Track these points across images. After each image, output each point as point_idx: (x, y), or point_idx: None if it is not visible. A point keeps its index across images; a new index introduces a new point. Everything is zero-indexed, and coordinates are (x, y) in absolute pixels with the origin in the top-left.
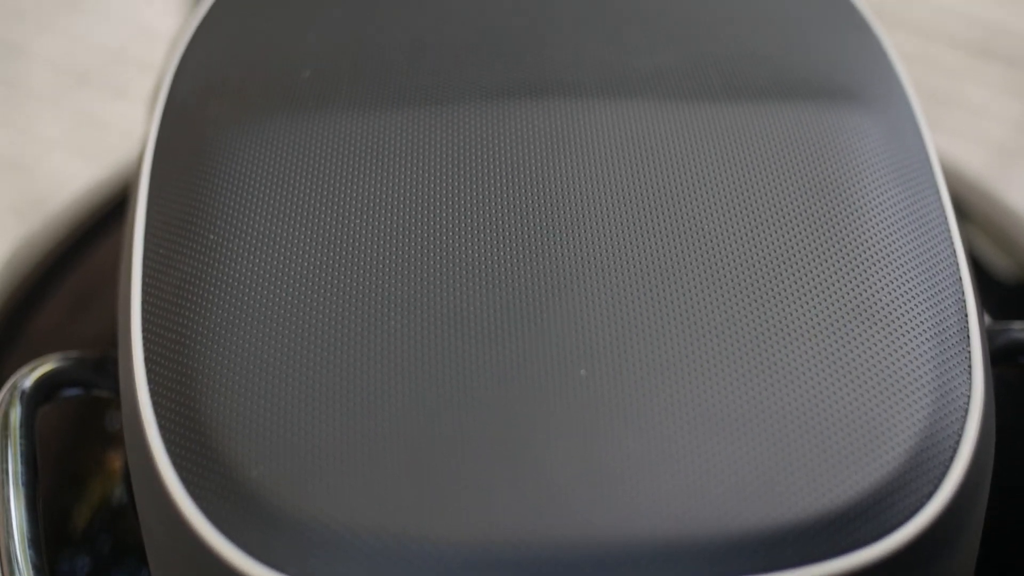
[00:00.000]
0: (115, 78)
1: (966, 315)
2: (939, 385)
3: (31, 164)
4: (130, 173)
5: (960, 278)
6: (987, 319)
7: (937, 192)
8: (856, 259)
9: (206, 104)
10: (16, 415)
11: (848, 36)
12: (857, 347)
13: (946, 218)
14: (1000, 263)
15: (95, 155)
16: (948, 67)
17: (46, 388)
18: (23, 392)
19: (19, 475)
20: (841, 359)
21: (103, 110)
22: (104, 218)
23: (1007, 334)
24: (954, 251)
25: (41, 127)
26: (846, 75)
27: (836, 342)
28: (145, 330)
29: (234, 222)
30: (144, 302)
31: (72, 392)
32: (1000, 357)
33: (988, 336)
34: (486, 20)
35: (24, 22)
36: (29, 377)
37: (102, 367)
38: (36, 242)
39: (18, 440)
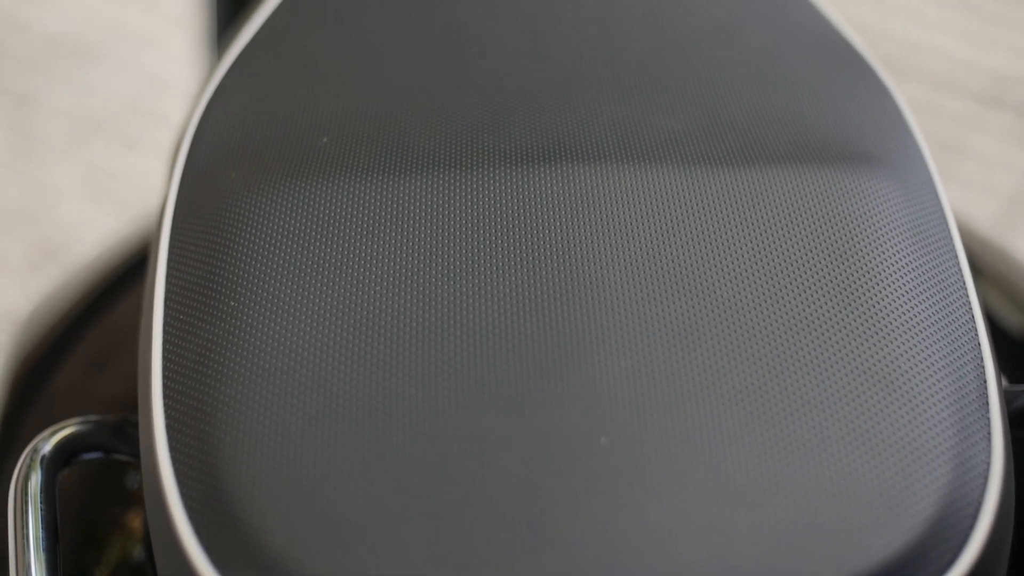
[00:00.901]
0: (127, 129)
1: (985, 380)
2: (959, 452)
3: (44, 215)
4: (146, 234)
5: (979, 343)
6: (1004, 381)
7: (955, 255)
8: (875, 326)
9: (225, 169)
10: (36, 480)
11: (865, 98)
12: (876, 415)
13: (964, 282)
14: (1013, 319)
15: (107, 206)
16: (959, 117)
17: (66, 453)
18: (43, 457)
19: (40, 540)
20: (861, 427)
21: (115, 161)
22: (120, 278)
23: None
24: (972, 315)
25: (54, 178)
26: (864, 138)
27: (855, 410)
28: (166, 397)
29: (254, 289)
30: (165, 369)
31: (91, 456)
32: (1018, 420)
33: (1006, 398)
34: (504, 85)
35: (36, 73)
36: (49, 442)
37: (121, 431)
38: (53, 302)
39: (39, 505)
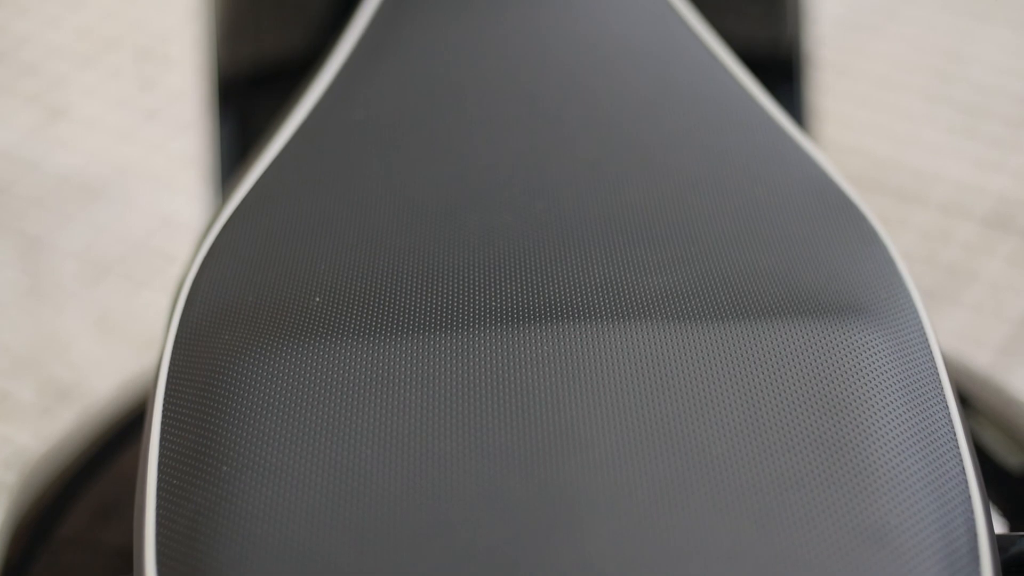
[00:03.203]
0: (137, 269)
1: (975, 534)
2: None
3: (54, 355)
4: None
5: (969, 496)
6: (1003, 525)
7: (945, 407)
8: (864, 481)
9: (218, 331)
10: None
11: (857, 248)
12: (865, 572)
13: (954, 433)
14: (1013, 459)
15: (118, 347)
16: (967, 242)
17: None
18: None
19: None
20: None
21: (125, 301)
22: (129, 425)
23: (1019, 544)
24: (963, 468)
25: (64, 318)
26: (854, 290)
27: (844, 567)
28: (159, 563)
29: (247, 453)
30: (158, 534)
31: None
32: (1012, 568)
33: (1000, 546)
34: (496, 243)
35: (46, 213)
36: None
37: None
38: (62, 448)
39: None
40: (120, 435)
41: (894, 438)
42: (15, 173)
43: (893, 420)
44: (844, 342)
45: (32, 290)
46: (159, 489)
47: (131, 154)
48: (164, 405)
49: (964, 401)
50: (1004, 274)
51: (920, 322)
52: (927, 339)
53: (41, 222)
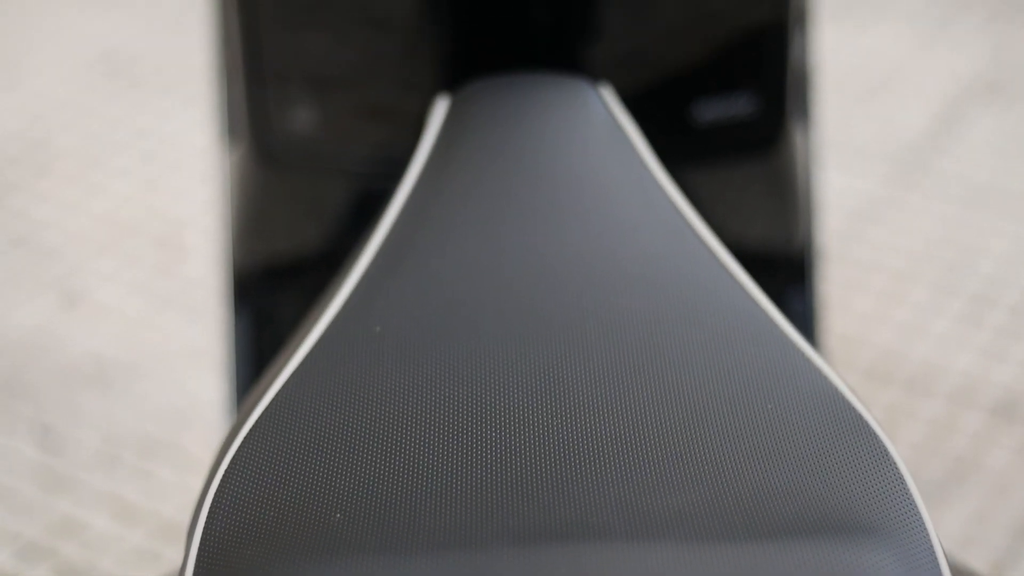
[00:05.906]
0: (152, 456)
1: None
2: None
3: (68, 542)
4: None
5: None
6: None
7: None
8: None
9: (240, 547)
10: None
11: (867, 466)
12: None
13: None
14: None
15: (131, 531)
16: (974, 432)
17: None
18: None
19: None
20: None
21: (140, 487)
22: None
23: None
24: None
25: (80, 505)
26: (864, 509)
27: None
28: None
29: None
30: None
31: None
32: None
33: None
34: (514, 462)
35: (63, 400)
36: None
37: None
38: None
39: None
40: None
41: None
42: (31, 359)
43: None
44: (854, 563)
45: (47, 475)
46: None
47: (147, 341)
48: None
49: None
50: (1012, 464)
51: (928, 538)
52: (935, 555)
53: (56, 409)
